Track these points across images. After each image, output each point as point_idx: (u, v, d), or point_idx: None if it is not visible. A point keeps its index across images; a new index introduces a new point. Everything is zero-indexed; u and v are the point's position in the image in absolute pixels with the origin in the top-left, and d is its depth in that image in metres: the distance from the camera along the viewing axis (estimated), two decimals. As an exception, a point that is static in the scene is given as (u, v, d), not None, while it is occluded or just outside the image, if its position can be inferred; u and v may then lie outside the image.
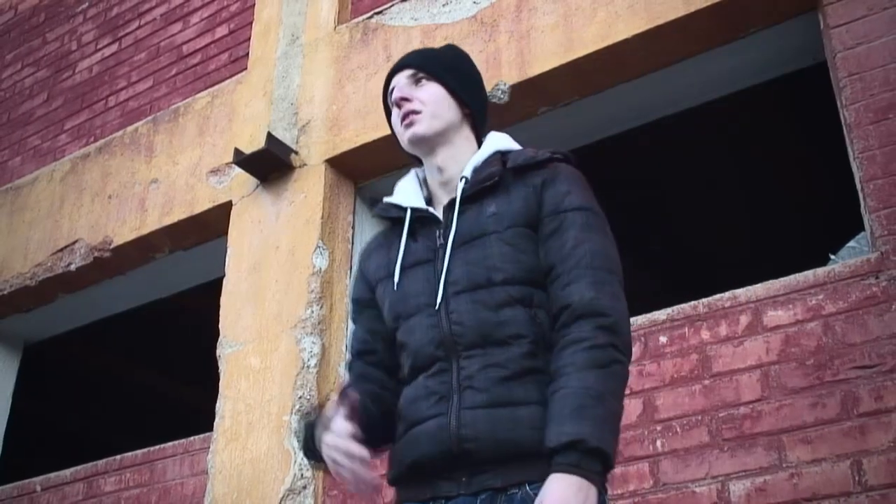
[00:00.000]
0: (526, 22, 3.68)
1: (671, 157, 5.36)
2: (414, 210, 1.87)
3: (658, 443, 2.80)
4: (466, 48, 3.75)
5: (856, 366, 2.59)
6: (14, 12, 6.14)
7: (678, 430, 2.79)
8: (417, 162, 1.98)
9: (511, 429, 1.63)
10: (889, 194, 2.74)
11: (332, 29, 4.28)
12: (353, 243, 3.96)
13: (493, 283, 1.73)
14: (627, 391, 2.96)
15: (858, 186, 2.86)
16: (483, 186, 1.81)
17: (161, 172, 4.53)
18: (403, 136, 1.90)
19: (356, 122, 3.94)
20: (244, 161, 4.02)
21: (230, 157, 4.14)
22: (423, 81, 1.92)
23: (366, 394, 1.79)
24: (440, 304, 1.75)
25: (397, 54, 3.95)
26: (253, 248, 4.01)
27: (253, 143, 4.12)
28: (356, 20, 4.23)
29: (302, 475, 3.44)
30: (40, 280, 4.76)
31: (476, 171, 1.85)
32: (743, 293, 2.86)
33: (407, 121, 1.88)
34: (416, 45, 3.94)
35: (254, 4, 4.71)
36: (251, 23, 4.66)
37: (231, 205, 4.20)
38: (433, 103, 1.89)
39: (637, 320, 2.99)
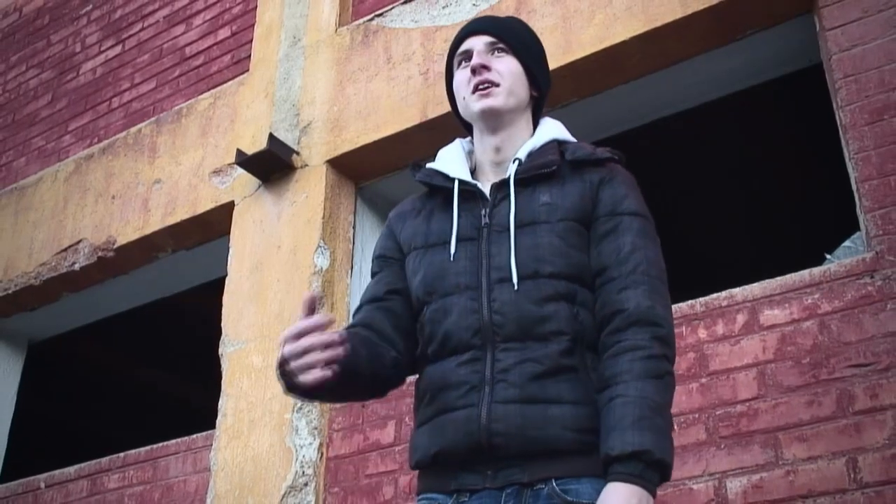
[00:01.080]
0: (525, 24, 3.67)
1: (669, 157, 5.36)
2: (461, 182, 1.80)
3: (656, 440, 2.80)
4: (466, 50, 3.76)
5: (851, 364, 2.59)
6: (19, 14, 6.14)
7: (675, 427, 2.78)
8: (465, 130, 1.90)
9: (541, 427, 1.60)
10: (884, 194, 2.74)
11: (333, 31, 4.28)
12: (353, 243, 3.96)
13: (539, 275, 1.68)
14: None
15: (854, 186, 2.85)
16: (539, 173, 1.76)
17: (164, 173, 4.53)
18: (475, 105, 1.82)
19: (357, 123, 3.94)
20: (246, 162, 4.02)
21: (232, 158, 4.14)
22: (502, 53, 1.85)
23: (361, 340, 1.72)
24: (483, 287, 1.70)
25: (398, 56, 3.96)
26: (255, 247, 4.01)
27: (255, 143, 4.12)
28: (357, 22, 4.22)
29: (303, 472, 3.44)
30: (45, 279, 4.76)
31: (531, 155, 1.80)
32: (740, 292, 2.86)
33: (484, 91, 1.81)
34: (416, 47, 3.93)
35: (256, 7, 4.71)
36: (253, 25, 4.66)
37: (233, 205, 4.19)
38: (512, 78, 1.83)
39: (635, 319, 2.99)
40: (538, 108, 1.92)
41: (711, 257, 6.28)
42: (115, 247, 4.54)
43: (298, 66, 4.31)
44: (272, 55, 4.43)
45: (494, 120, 1.82)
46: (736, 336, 2.80)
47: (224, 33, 4.83)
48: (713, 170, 5.59)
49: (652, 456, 1.53)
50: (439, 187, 1.83)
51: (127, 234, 4.51)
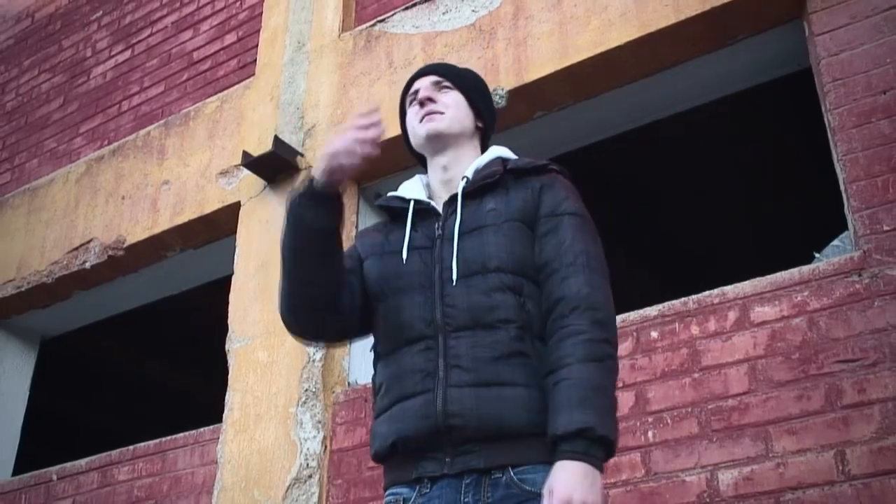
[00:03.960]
0: (522, 29, 3.67)
1: (663, 159, 5.36)
2: (416, 202, 1.91)
3: (649, 433, 2.80)
4: (465, 55, 3.76)
5: (839, 360, 2.59)
6: (31, 20, 6.13)
7: (669, 421, 2.78)
8: (421, 166, 2.04)
9: (496, 406, 1.65)
10: (871, 195, 2.74)
11: (336, 36, 4.28)
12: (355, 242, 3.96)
13: (487, 269, 1.76)
14: (620, 384, 2.97)
15: (842, 187, 2.85)
16: (484, 183, 1.86)
17: (172, 174, 4.53)
18: (420, 130, 1.95)
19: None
20: (252, 163, 4.02)
21: (239, 160, 4.14)
22: (446, 89, 1.98)
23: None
24: (436, 285, 1.77)
25: (399, 60, 3.96)
26: (261, 246, 4.01)
27: (260, 145, 4.12)
28: (360, 28, 4.22)
29: (308, 465, 3.44)
30: (56, 277, 4.76)
31: (477, 171, 1.90)
32: (731, 290, 2.86)
33: (428, 117, 1.93)
34: (417, 51, 3.93)
35: (261, 13, 4.70)
36: (259, 30, 4.66)
37: (240, 205, 4.19)
38: (455, 108, 1.96)
39: (629, 316, 2.99)
40: (487, 141, 2.04)
41: (703, 255, 6.28)
42: (124, 246, 4.54)
43: (303, 70, 4.30)
44: (277, 60, 4.43)
45: (438, 142, 1.94)
46: (727, 332, 2.80)
47: (230, 38, 4.82)
48: (706, 171, 5.59)
49: (595, 433, 1.56)
50: (397, 208, 1.94)
51: (136, 233, 4.51)
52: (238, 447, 3.65)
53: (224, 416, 3.79)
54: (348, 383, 3.64)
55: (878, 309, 2.59)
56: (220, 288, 4.30)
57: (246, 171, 4.15)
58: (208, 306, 5.05)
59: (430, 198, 1.95)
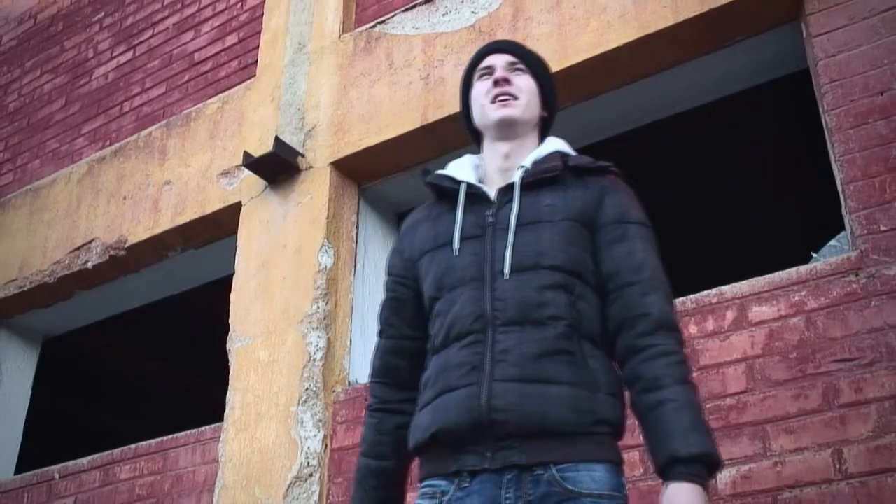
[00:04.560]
0: (522, 31, 3.67)
1: (661, 159, 5.37)
2: (468, 185, 1.86)
3: (648, 432, 2.80)
4: (465, 56, 3.76)
5: (837, 359, 2.60)
6: (34, 21, 6.14)
7: (667, 420, 2.78)
8: (475, 145, 2.00)
9: (540, 404, 1.63)
10: (868, 195, 2.74)
11: (337, 37, 4.28)
12: (357, 242, 3.97)
13: (540, 266, 1.73)
14: (619, 383, 2.96)
15: (840, 188, 2.86)
16: (542, 177, 1.83)
17: (174, 174, 4.53)
18: (493, 114, 1.90)
19: (360, 126, 3.94)
20: (253, 164, 4.02)
21: (240, 160, 4.14)
22: (521, 73, 1.95)
23: (393, 441, 1.87)
24: (487, 279, 1.75)
25: (399, 62, 3.96)
26: (261, 246, 4.01)
27: (261, 146, 4.12)
28: (360, 29, 4.22)
29: (308, 463, 3.44)
30: (58, 277, 4.76)
31: (536, 163, 1.87)
32: (729, 290, 2.86)
33: (504, 101, 1.90)
34: (417, 52, 3.93)
35: (262, 14, 4.71)
36: (260, 32, 4.66)
37: (240, 205, 4.19)
38: (529, 94, 1.93)
39: (628, 316, 2.99)
40: (546, 129, 2.02)
41: (701, 256, 6.28)
42: (126, 246, 4.54)
43: (303, 71, 4.31)
44: (278, 61, 4.43)
45: (509, 129, 1.90)
46: (725, 332, 2.80)
47: (232, 40, 4.82)
48: (704, 171, 5.59)
49: (711, 458, 1.62)
50: (447, 189, 1.89)
51: (138, 233, 4.51)
52: (239, 446, 3.66)
53: (225, 415, 3.79)
54: (349, 382, 3.65)
55: (875, 308, 2.60)
56: (221, 288, 4.30)
57: (247, 172, 4.15)
58: (209, 306, 5.05)
59: (480, 181, 1.90)
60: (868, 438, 2.46)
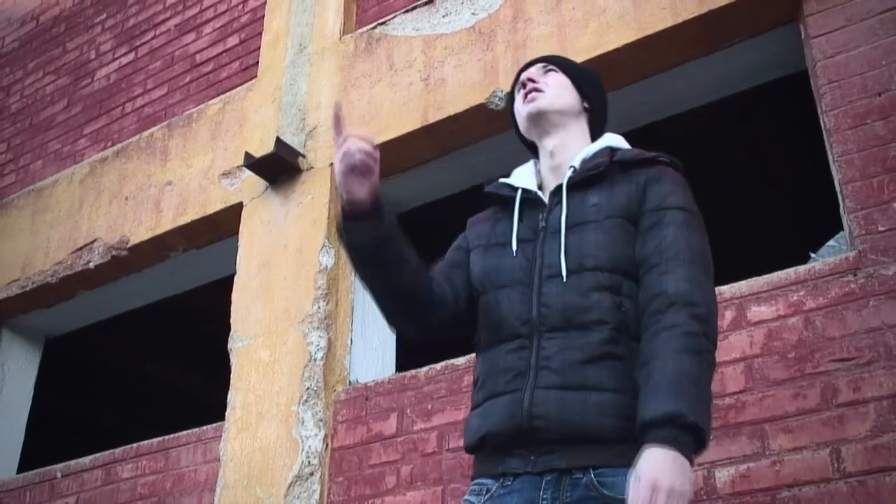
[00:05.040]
0: (522, 32, 3.68)
1: (660, 160, 5.36)
2: (524, 191, 1.88)
3: (647, 432, 2.80)
4: (465, 57, 3.77)
5: (835, 358, 2.60)
6: (36, 23, 6.14)
7: (666, 419, 2.78)
8: (534, 156, 2.01)
9: (580, 412, 1.62)
10: (867, 196, 2.74)
11: (337, 39, 4.28)
12: (357, 242, 3.96)
13: (583, 268, 1.72)
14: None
15: (838, 188, 2.86)
16: (589, 175, 1.81)
17: (175, 175, 4.53)
18: (523, 110, 1.93)
19: (360, 126, 3.94)
20: (254, 164, 4.03)
21: (241, 161, 4.14)
22: (551, 72, 1.97)
23: (430, 276, 1.84)
24: (535, 282, 1.75)
25: (400, 63, 3.96)
26: (262, 246, 4.02)
27: (263, 147, 4.12)
28: (361, 30, 4.22)
29: (309, 462, 3.44)
30: (61, 277, 4.76)
31: (585, 161, 1.86)
32: (727, 289, 2.86)
33: (530, 97, 1.92)
34: (417, 54, 3.94)
35: (263, 16, 4.71)
36: (261, 33, 4.66)
37: (242, 206, 4.20)
38: (556, 86, 1.94)
39: (627, 315, 2.99)
40: (598, 125, 2.00)
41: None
42: (128, 246, 4.54)
43: (304, 72, 4.31)
44: (279, 62, 4.43)
45: (541, 121, 1.92)
46: (724, 331, 2.80)
47: (233, 41, 4.83)
48: (704, 171, 5.59)
49: (684, 420, 1.51)
50: (504, 196, 1.91)
51: (140, 233, 4.51)
52: (240, 445, 3.66)
53: (226, 414, 3.79)
54: (349, 382, 3.65)
55: (873, 308, 2.60)
56: (222, 288, 4.31)
57: (248, 172, 4.15)
58: (211, 306, 5.05)
59: (539, 186, 1.91)
60: (866, 438, 2.47)
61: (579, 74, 2.00)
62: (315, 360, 3.61)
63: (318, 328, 3.65)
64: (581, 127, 1.95)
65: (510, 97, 2.05)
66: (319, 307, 3.69)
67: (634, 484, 1.50)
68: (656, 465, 1.49)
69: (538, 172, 1.95)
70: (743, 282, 2.85)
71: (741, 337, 2.77)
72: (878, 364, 2.52)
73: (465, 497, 1.75)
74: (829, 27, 3.00)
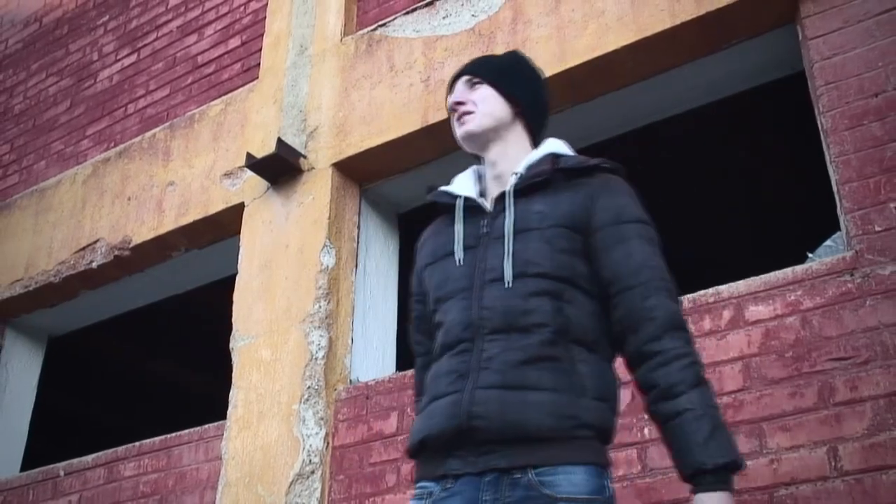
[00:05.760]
0: (521, 34, 3.68)
1: (659, 160, 5.36)
2: (465, 199, 1.88)
3: (645, 430, 2.80)
4: (465, 58, 3.76)
5: (832, 358, 2.60)
6: (39, 24, 6.14)
7: (665, 418, 2.78)
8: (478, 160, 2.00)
9: (519, 411, 1.63)
10: (863, 196, 2.74)
11: (338, 40, 4.28)
12: (358, 242, 3.97)
13: (526, 274, 1.73)
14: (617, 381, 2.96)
15: (835, 188, 2.86)
16: (532, 183, 1.82)
17: (177, 175, 4.53)
18: (457, 135, 1.93)
19: (361, 128, 3.94)
20: (256, 165, 4.03)
21: (243, 161, 4.14)
22: (477, 85, 1.94)
23: None
24: (476, 288, 1.76)
25: (400, 64, 3.96)
26: (264, 246, 4.02)
27: (264, 147, 4.12)
28: (361, 32, 4.22)
29: (310, 461, 3.45)
30: (64, 277, 4.76)
31: (529, 167, 1.86)
32: (725, 289, 2.87)
33: (460, 120, 1.92)
34: (417, 55, 3.94)
35: (265, 17, 4.71)
36: (262, 35, 4.66)
37: (243, 206, 4.20)
38: (483, 102, 1.92)
39: (626, 315, 2.99)
40: (535, 123, 1.98)
41: (699, 256, 6.28)
42: (130, 246, 4.54)
43: (305, 73, 4.31)
44: (280, 63, 4.43)
45: (476, 141, 1.92)
46: (722, 331, 2.80)
47: (235, 42, 4.83)
48: (702, 172, 5.59)
49: (735, 464, 1.63)
50: (445, 205, 1.92)
51: (142, 233, 4.51)
52: (242, 444, 3.66)
53: (228, 413, 3.79)
54: (350, 381, 3.65)
55: (870, 308, 2.60)
56: (224, 287, 4.31)
57: (249, 173, 4.15)
58: (212, 305, 5.05)
59: (482, 192, 1.92)
60: (863, 436, 2.47)
61: (506, 79, 1.96)
62: (316, 359, 3.61)
63: (319, 327, 3.65)
64: (517, 132, 1.94)
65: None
66: (320, 307, 3.69)
67: None
68: None
69: (479, 179, 1.96)
70: (741, 281, 2.85)
71: (739, 336, 2.77)
72: (875, 363, 2.52)
73: (410, 501, 1.76)
74: (826, 29, 3.00)
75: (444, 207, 1.93)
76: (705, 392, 1.67)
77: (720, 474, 1.61)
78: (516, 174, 1.84)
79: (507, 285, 1.73)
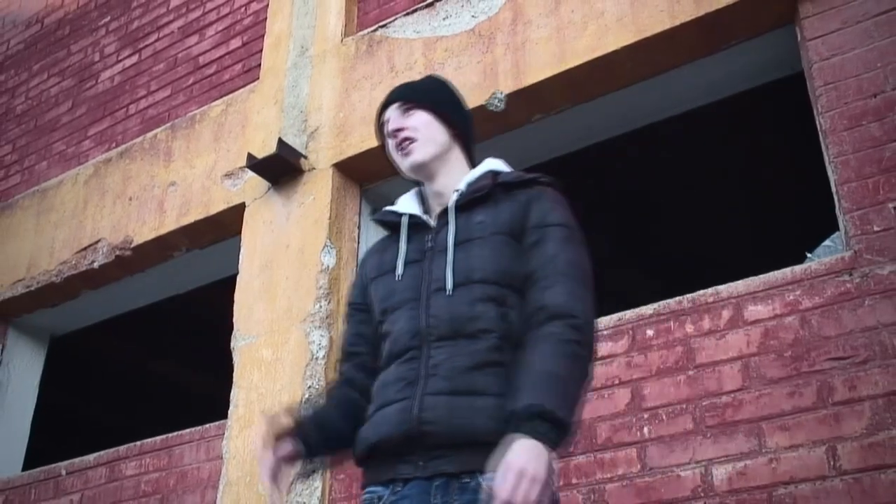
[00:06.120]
0: (521, 34, 3.68)
1: (658, 161, 5.37)
2: (410, 216, 1.93)
3: (645, 430, 2.80)
4: (465, 59, 3.77)
5: (831, 357, 2.60)
6: (41, 25, 6.14)
7: (664, 417, 2.79)
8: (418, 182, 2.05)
9: (468, 416, 1.67)
10: (862, 196, 2.74)
11: (339, 41, 4.28)
12: (358, 242, 3.97)
13: (471, 281, 1.78)
14: (616, 381, 2.97)
15: (833, 189, 2.86)
16: (474, 197, 1.87)
17: (179, 176, 4.53)
18: (403, 164, 1.96)
19: (361, 128, 3.94)
20: (257, 165, 4.03)
21: (243, 162, 4.15)
22: (412, 111, 1.97)
23: (343, 401, 1.92)
24: (423, 297, 1.80)
25: (401, 65, 3.97)
26: (265, 246, 4.02)
27: (265, 148, 4.12)
28: (362, 33, 4.23)
29: (311, 460, 3.44)
30: (65, 277, 4.76)
31: (469, 184, 1.91)
32: (725, 289, 2.87)
33: (405, 150, 1.94)
34: (418, 56, 3.94)
35: (266, 18, 4.71)
36: (263, 35, 4.67)
37: (244, 206, 4.20)
38: (424, 128, 1.95)
39: (626, 314, 3.00)
40: (470, 142, 2.03)
41: (698, 255, 6.28)
42: (132, 246, 4.54)
43: (306, 74, 4.31)
44: (281, 64, 4.43)
45: (423, 170, 1.96)
46: (721, 331, 2.80)
47: (235, 43, 4.83)
48: (701, 172, 5.59)
49: (553, 414, 1.58)
50: (392, 223, 1.97)
51: (143, 233, 4.52)
52: (243, 443, 3.66)
53: (229, 412, 3.79)
54: (351, 380, 3.65)
55: (869, 308, 2.60)
56: (225, 287, 4.31)
57: (250, 173, 4.15)
58: (214, 305, 5.05)
59: (425, 211, 1.97)
60: (862, 436, 2.47)
61: (438, 102, 2.00)
62: (317, 358, 3.61)
63: (319, 327, 3.66)
64: (457, 154, 1.98)
65: (379, 131, 2.05)
66: (321, 306, 3.69)
67: (503, 471, 1.55)
68: (522, 454, 1.55)
69: (423, 199, 2.00)
70: (740, 281, 2.86)
71: (738, 336, 2.77)
72: (874, 363, 2.52)
73: None
74: (825, 30, 3.00)
75: (389, 226, 1.99)
76: (557, 358, 1.65)
77: (534, 423, 1.57)
78: (458, 191, 1.90)
79: (448, 293, 1.77)
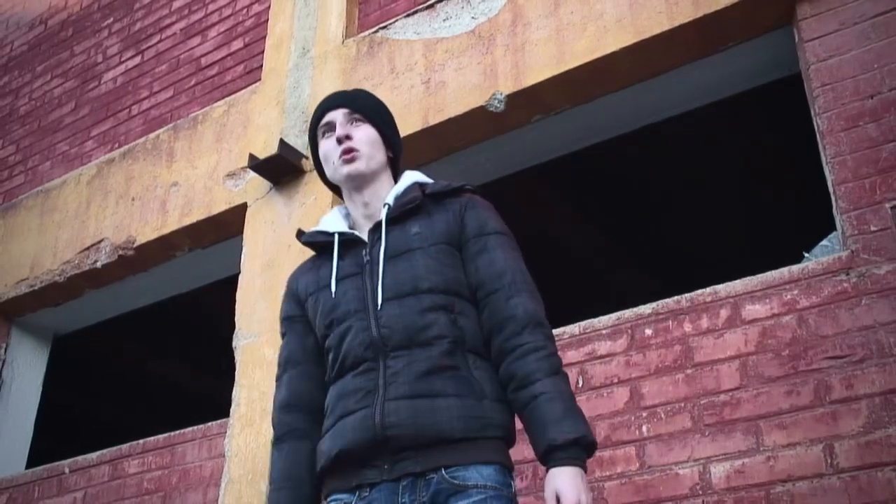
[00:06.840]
0: (521, 36, 3.68)
1: (657, 161, 5.37)
2: (341, 234, 1.95)
3: (644, 428, 2.81)
4: (465, 60, 3.77)
5: (828, 356, 2.60)
6: (44, 27, 6.14)
7: (662, 416, 2.79)
8: (337, 196, 2.07)
9: (430, 416, 1.71)
10: (859, 196, 2.75)
11: (340, 42, 4.28)
12: (359, 242, 3.96)
13: (419, 290, 1.82)
14: (615, 380, 2.98)
15: (831, 189, 2.86)
16: (406, 209, 1.91)
17: (181, 176, 4.54)
18: (342, 169, 1.97)
19: (363, 129, 3.94)
20: (258, 166, 4.03)
21: (245, 162, 4.15)
22: (359, 123, 2.00)
23: (309, 464, 1.87)
24: (370, 308, 1.83)
25: (401, 66, 3.97)
26: (266, 246, 4.02)
27: (266, 148, 4.12)
28: (363, 34, 4.23)
29: None
30: (68, 276, 4.77)
31: (398, 198, 1.94)
32: (723, 288, 2.87)
33: (349, 157, 1.96)
34: (418, 57, 3.94)
35: (267, 20, 4.71)
36: (265, 37, 4.67)
37: (246, 206, 4.20)
38: (369, 144, 1.99)
39: (624, 314, 3.00)
40: (396, 167, 2.09)
41: (697, 255, 6.28)
42: (134, 246, 4.55)
43: (307, 75, 4.31)
44: (283, 65, 4.43)
45: (359, 181, 1.97)
46: (719, 330, 2.81)
47: (237, 45, 4.83)
48: (699, 173, 5.60)
49: (586, 440, 1.71)
50: (322, 243, 1.98)
51: (146, 233, 4.52)
52: (245, 441, 3.66)
53: (231, 410, 3.80)
54: (352, 379, 3.65)
55: (866, 307, 2.60)
56: (227, 287, 4.31)
57: (252, 174, 4.15)
58: (216, 305, 5.05)
59: (351, 228, 1.99)
60: (859, 434, 2.47)
61: (385, 124, 2.05)
62: (318, 357, 3.61)
63: (320, 326, 3.66)
64: (388, 175, 2.03)
65: (312, 133, 2.05)
66: (322, 306, 3.69)
67: (554, 501, 1.66)
68: (573, 483, 1.67)
69: (347, 217, 2.02)
70: (737, 281, 2.86)
71: (736, 335, 2.77)
72: (871, 362, 2.53)
73: None
74: (822, 31, 3.01)
75: (317, 247, 2.00)
76: (559, 380, 1.76)
77: (571, 450, 1.69)
78: (387, 205, 1.93)
79: (378, 307, 1.81)
